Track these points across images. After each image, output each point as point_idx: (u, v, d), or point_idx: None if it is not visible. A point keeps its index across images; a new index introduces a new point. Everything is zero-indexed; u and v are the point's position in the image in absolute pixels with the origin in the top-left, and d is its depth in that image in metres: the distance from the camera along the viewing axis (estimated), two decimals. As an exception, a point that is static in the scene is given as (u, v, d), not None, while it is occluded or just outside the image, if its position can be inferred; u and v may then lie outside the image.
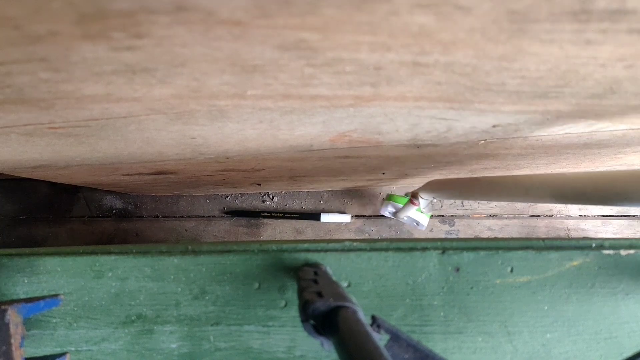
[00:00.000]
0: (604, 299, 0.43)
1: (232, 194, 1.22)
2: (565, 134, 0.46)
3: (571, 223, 1.24)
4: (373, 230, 1.23)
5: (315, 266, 0.43)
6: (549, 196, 0.48)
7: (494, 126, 0.42)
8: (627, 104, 0.35)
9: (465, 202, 1.21)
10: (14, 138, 0.39)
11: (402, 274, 0.43)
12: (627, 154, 0.63)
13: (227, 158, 0.55)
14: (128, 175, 0.69)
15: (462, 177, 0.78)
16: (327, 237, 1.22)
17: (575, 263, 0.43)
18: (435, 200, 1.01)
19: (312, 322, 0.32)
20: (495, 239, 0.45)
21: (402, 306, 0.43)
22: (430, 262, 0.43)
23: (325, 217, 1.18)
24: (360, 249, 0.44)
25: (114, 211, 1.20)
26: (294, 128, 0.40)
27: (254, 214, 1.20)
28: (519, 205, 1.21)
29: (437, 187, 0.82)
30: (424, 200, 0.97)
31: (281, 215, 1.20)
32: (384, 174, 0.81)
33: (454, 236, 1.23)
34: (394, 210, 1.09)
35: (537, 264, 0.43)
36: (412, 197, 0.99)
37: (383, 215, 1.22)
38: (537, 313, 0.43)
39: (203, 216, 1.21)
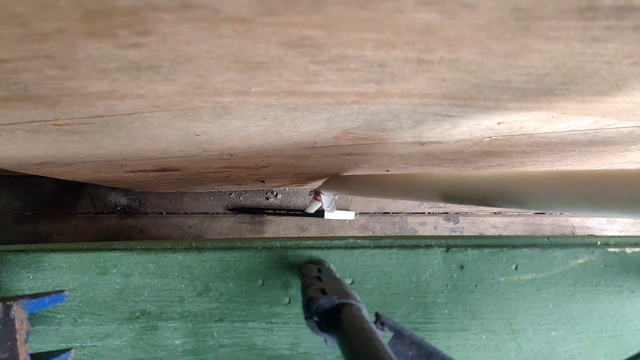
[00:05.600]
0: (609, 297, 0.43)
1: (235, 191, 1.22)
2: (570, 131, 0.46)
3: (576, 221, 1.24)
4: (377, 228, 1.23)
5: (319, 263, 0.43)
6: (438, 196, 0.48)
7: (498, 123, 0.42)
8: (633, 101, 0.35)
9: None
10: (19, 135, 0.39)
11: (406, 271, 0.43)
12: (633, 152, 0.63)
13: (231, 155, 0.55)
14: (132, 172, 0.69)
15: (358, 174, 0.79)
16: (331, 234, 1.22)
17: (580, 261, 0.43)
18: (336, 197, 1.03)
19: (315, 319, 0.32)
20: (500, 236, 0.45)
21: (405, 303, 0.43)
22: (434, 260, 0.43)
23: (329, 215, 1.18)
24: (364, 246, 0.44)
25: (119, 208, 1.21)
26: (298, 125, 0.40)
27: (258, 211, 1.21)
28: (524, 203, 1.20)
29: (335, 184, 0.84)
30: (326, 197, 1.00)
31: (285, 212, 1.20)
32: (387, 171, 0.81)
33: (458, 234, 1.23)
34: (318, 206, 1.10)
35: (542, 261, 0.43)
36: (315, 194, 1.01)
37: (388, 213, 1.22)
38: (541, 311, 0.43)
39: (207, 213, 1.21)
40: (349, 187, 0.78)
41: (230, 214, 1.21)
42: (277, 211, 1.20)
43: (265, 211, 1.20)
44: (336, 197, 1.05)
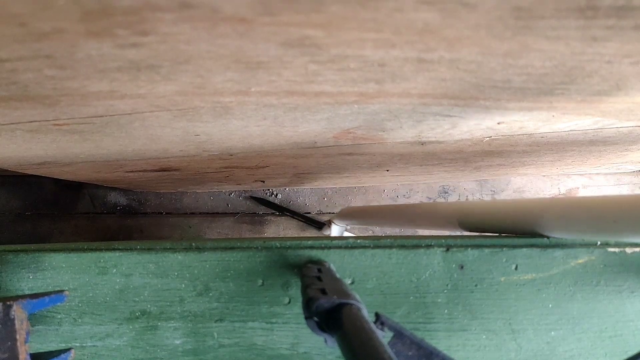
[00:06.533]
0: (609, 297, 0.43)
1: (235, 191, 1.22)
2: (570, 131, 0.46)
3: (576, 221, 1.24)
4: (377, 227, 1.23)
5: (318, 263, 0.43)
6: (455, 225, 0.48)
7: (499, 123, 0.42)
8: (633, 101, 0.35)
9: (470, 200, 1.21)
10: (19, 135, 0.39)
11: (406, 271, 0.43)
12: (634, 151, 0.63)
13: (231, 155, 0.55)
14: (132, 172, 0.69)
15: (371, 206, 0.80)
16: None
17: (580, 261, 0.43)
18: (349, 227, 1.03)
19: (315, 319, 0.32)
20: (500, 236, 0.45)
21: (405, 303, 0.43)
22: (434, 260, 0.43)
23: (332, 230, 1.14)
24: (364, 246, 0.44)
25: (119, 208, 1.21)
26: (298, 125, 0.40)
27: (273, 206, 1.19)
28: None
29: (349, 215, 0.84)
30: (337, 228, 0.99)
31: (289, 214, 1.19)
32: (387, 171, 0.81)
33: (458, 233, 1.23)
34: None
35: (542, 261, 0.43)
36: (328, 223, 1.02)
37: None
38: (541, 311, 0.43)
39: (207, 213, 1.21)
40: (364, 217, 0.78)
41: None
42: (287, 213, 1.19)
43: (283, 211, 1.19)
44: (349, 228, 1.04)
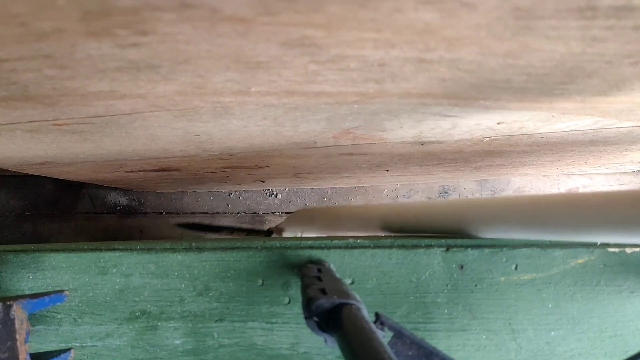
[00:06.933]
0: (609, 297, 0.43)
1: (235, 191, 1.22)
2: (570, 131, 0.46)
3: (576, 221, 1.24)
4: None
5: (318, 263, 0.43)
6: (379, 228, 0.50)
7: (498, 123, 0.42)
8: (633, 101, 0.35)
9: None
10: (19, 135, 0.39)
11: (406, 271, 0.43)
12: (633, 151, 0.63)
13: (231, 155, 0.55)
14: (132, 171, 0.69)
15: (314, 208, 0.79)
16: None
17: (580, 261, 0.43)
18: (300, 234, 0.97)
19: (315, 319, 0.32)
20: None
21: (405, 303, 0.43)
22: (434, 260, 0.43)
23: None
24: (363, 246, 0.44)
25: (119, 207, 1.21)
26: (298, 125, 0.40)
27: (207, 228, 1.12)
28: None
29: (296, 220, 0.83)
30: (290, 234, 0.95)
31: (226, 231, 1.10)
32: (387, 171, 0.81)
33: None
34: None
35: (542, 261, 0.43)
36: (277, 231, 0.95)
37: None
38: (541, 311, 0.43)
39: (207, 213, 1.21)
40: (307, 223, 0.77)
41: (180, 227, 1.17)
42: (224, 231, 1.09)
43: (219, 231, 1.10)
44: (301, 235, 0.99)
